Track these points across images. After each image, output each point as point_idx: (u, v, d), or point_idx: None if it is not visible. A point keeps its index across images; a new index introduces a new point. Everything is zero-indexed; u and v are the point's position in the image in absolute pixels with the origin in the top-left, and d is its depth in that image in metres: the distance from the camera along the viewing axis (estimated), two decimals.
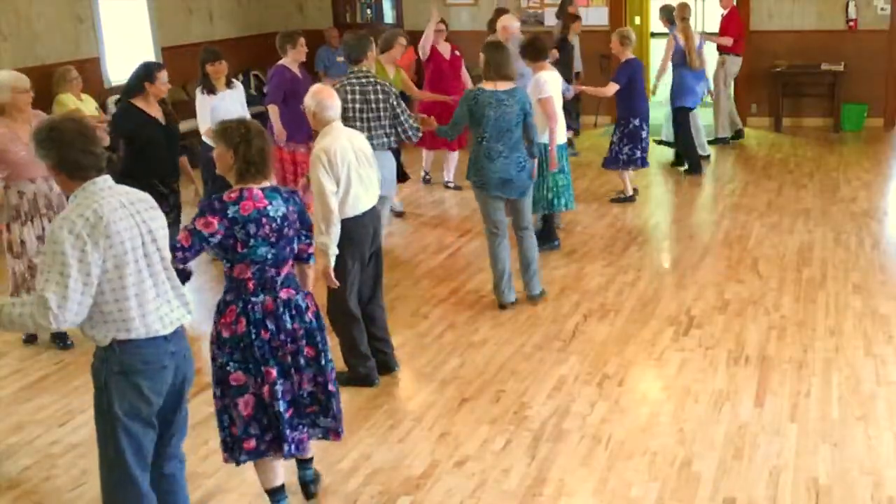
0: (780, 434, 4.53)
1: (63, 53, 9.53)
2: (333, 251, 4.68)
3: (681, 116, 9.63)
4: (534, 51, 6.94)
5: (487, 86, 5.93)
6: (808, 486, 4.09)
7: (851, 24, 11.35)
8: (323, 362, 3.94)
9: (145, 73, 6.12)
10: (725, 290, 6.44)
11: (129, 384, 3.25)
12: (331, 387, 3.97)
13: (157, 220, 3.33)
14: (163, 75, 6.14)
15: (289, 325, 3.82)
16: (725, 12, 10.86)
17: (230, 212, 3.62)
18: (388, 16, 13.29)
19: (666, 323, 5.94)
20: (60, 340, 5.95)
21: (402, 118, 6.07)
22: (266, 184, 3.76)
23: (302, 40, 7.84)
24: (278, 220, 3.71)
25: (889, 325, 5.75)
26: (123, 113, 6.21)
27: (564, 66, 9.51)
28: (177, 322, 3.35)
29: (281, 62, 7.81)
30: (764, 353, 5.43)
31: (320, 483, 4.26)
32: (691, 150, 9.75)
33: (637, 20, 12.90)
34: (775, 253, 7.18)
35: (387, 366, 5.37)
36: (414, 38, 12.19)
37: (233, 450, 3.88)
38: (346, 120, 5.50)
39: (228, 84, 7.38)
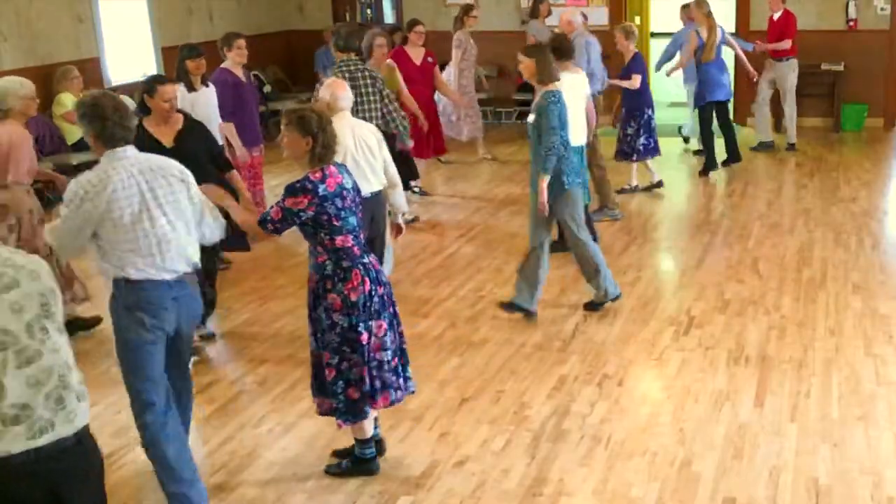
0: (780, 434, 4.53)
1: (63, 53, 9.53)
2: None
3: (707, 112, 9.66)
4: (557, 51, 6.97)
5: (555, 87, 5.71)
6: (808, 486, 4.09)
7: (851, 24, 11.35)
8: (398, 318, 4.29)
9: (144, 87, 5.34)
10: (725, 290, 6.43)
11: (133, 318, 3.80)
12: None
13: (165, 188, 3.82)
14: (166, 89, 5.23)
15: (385, 280, 4.21)
16: (778, 15, 10.45)
17: (320, 190, 3.93)
18: (389, 16, 13.30)
19: (666, 323, 5.93)
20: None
21: (390, 107, 6.51)
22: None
23: (241, 42, 7.47)
24: (352, 191, 4.09)
25: (889, 325, 5.75)
26: None
27: None
28: (179, 274, 3.88)
29: (222, 66, 7.49)
30: (764, 353, 5.43)
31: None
32: (710, 148, 9.71)
33: (637, 20, 12.90)
34: (775, 253, 7.17)
35: None
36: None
37: (353, 412, 4.14)
38: None
39: (205, 83, 7.07)
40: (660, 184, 9.03)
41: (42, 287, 2.58)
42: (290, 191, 3.95)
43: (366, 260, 4.10)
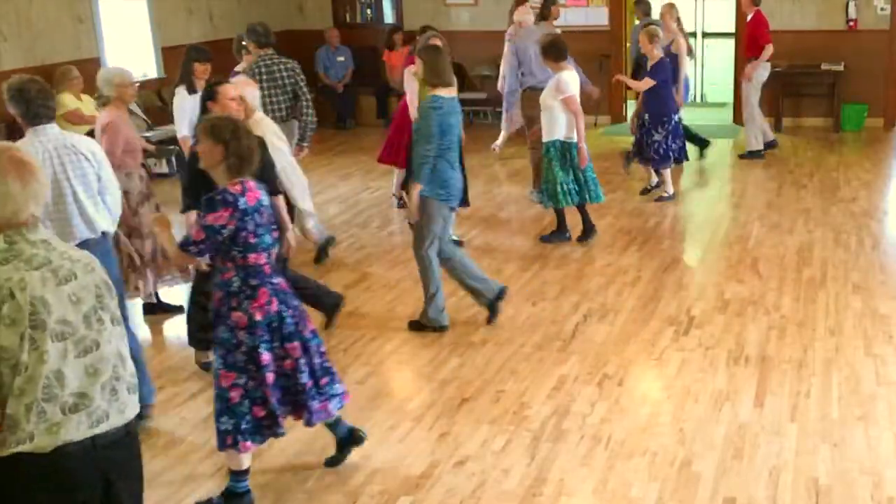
0: (780, 434, 4.53)
1: (63, 53, 9.53)
2: None
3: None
4: (556, 51, 7.00)
5: (444, 92, 5.51)
6: (808, 486, 4.09)
7: (851, 24, 11.36)
8: (317, 338, 4.15)
9: (205, 95, 5.19)
10: (725, 290, 6.43)
11: None
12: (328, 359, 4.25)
13: (75, 163, 4.28)
14: (226, 88, 5.09)
15: (296, 302, 4.08)
16: (750, 17, 10.21)
17: (240, 203, 3.78)
18: (389, 16, 13.29)
19: (666, 323, 5.93)
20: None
21: (308, 102, 6.83)
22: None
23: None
24: (268, 207, 3.96)
25: (889, 325, 5.75)
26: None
27: None
28: (83, 238, 4.30)
29: (236, 69, 7.53)
30: (764, 353, 5.43)
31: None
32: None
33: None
34: (775, 253, 7.17)
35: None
36: (413, 37, 12.23)
37: (260, 432, 4.01)
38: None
39: None
40: (658, 186, 9.01)
41: (97, 279, 2.68)
42: (210, 205, 3.75)
43: (275, 280, 3.96)
